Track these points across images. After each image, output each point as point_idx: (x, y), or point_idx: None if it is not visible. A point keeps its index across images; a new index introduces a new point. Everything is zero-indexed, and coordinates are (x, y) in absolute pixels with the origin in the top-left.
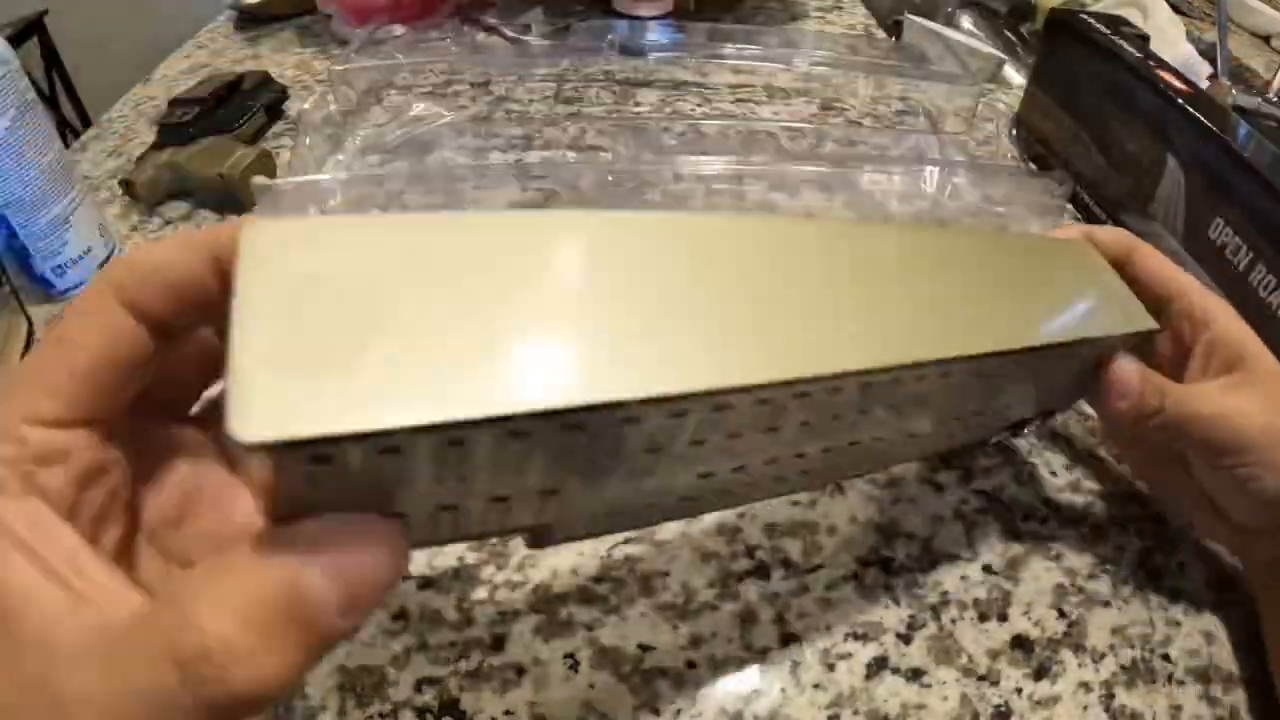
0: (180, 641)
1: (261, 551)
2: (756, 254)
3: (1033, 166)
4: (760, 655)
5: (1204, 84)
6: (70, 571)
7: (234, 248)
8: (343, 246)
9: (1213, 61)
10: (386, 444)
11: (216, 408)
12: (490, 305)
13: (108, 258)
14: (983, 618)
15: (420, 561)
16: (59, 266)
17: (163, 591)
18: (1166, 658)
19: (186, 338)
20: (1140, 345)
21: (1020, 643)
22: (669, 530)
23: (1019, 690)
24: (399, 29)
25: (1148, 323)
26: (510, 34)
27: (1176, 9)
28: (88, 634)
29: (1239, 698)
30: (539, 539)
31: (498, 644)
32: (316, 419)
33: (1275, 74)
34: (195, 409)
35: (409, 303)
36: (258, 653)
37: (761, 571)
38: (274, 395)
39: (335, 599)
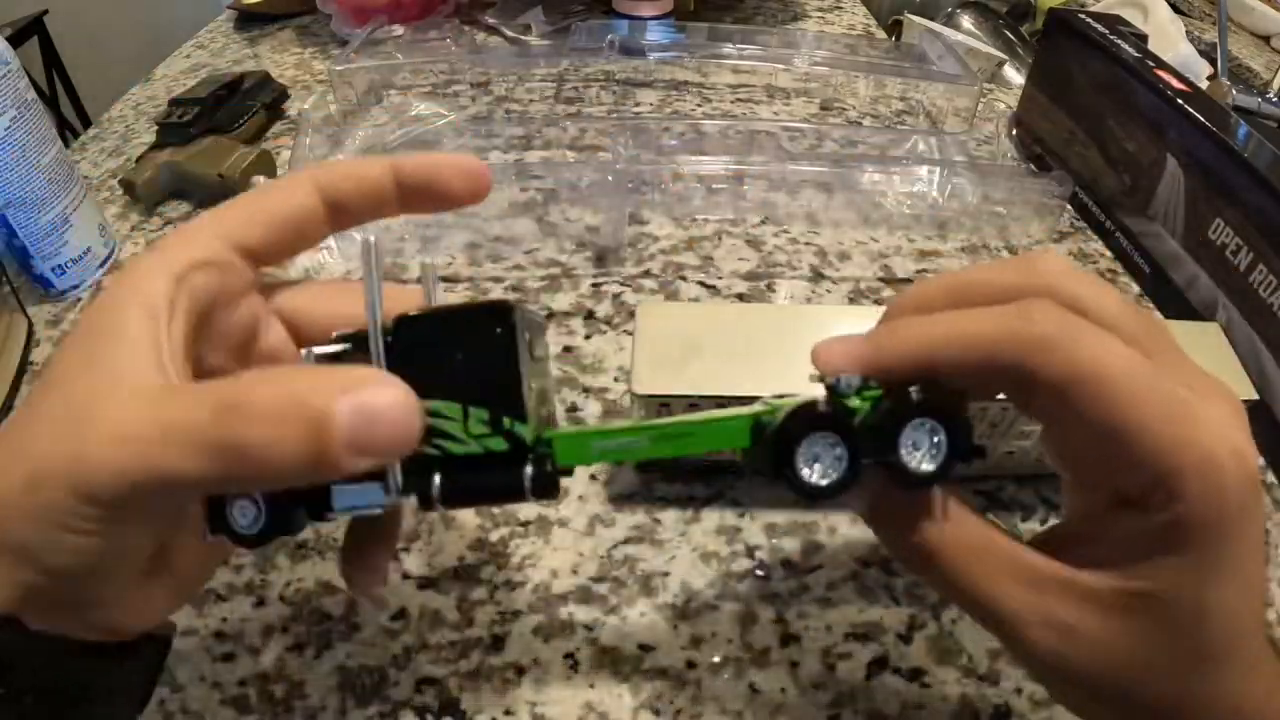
0: (222, 392)
1: (316, 370)
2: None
3: (1032, 167)
4: (760, 655)
5: (1204, 84)
6: (168, 344)
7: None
8: (684, 316)
9: (1213, 61)
10: (690, 402)
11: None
12: (747, 348)
13: (108, 258)
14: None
15: (420, 561)
16: (59, 266)
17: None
18: None
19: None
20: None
21: None
22: (669, 530)
23: (1019, 690)
24: (399, 29)
25: (1246, 393)
26: (510, 34)
27: (1176, 9)
28: (157, 386)
29: None
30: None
31: (498, 644)
32: (665, 388)
33: (1275, 74)
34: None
35: (710, 345)
36: (275, 427)
37: (761, 571)
38: (650, 376)
39: (347, 431)
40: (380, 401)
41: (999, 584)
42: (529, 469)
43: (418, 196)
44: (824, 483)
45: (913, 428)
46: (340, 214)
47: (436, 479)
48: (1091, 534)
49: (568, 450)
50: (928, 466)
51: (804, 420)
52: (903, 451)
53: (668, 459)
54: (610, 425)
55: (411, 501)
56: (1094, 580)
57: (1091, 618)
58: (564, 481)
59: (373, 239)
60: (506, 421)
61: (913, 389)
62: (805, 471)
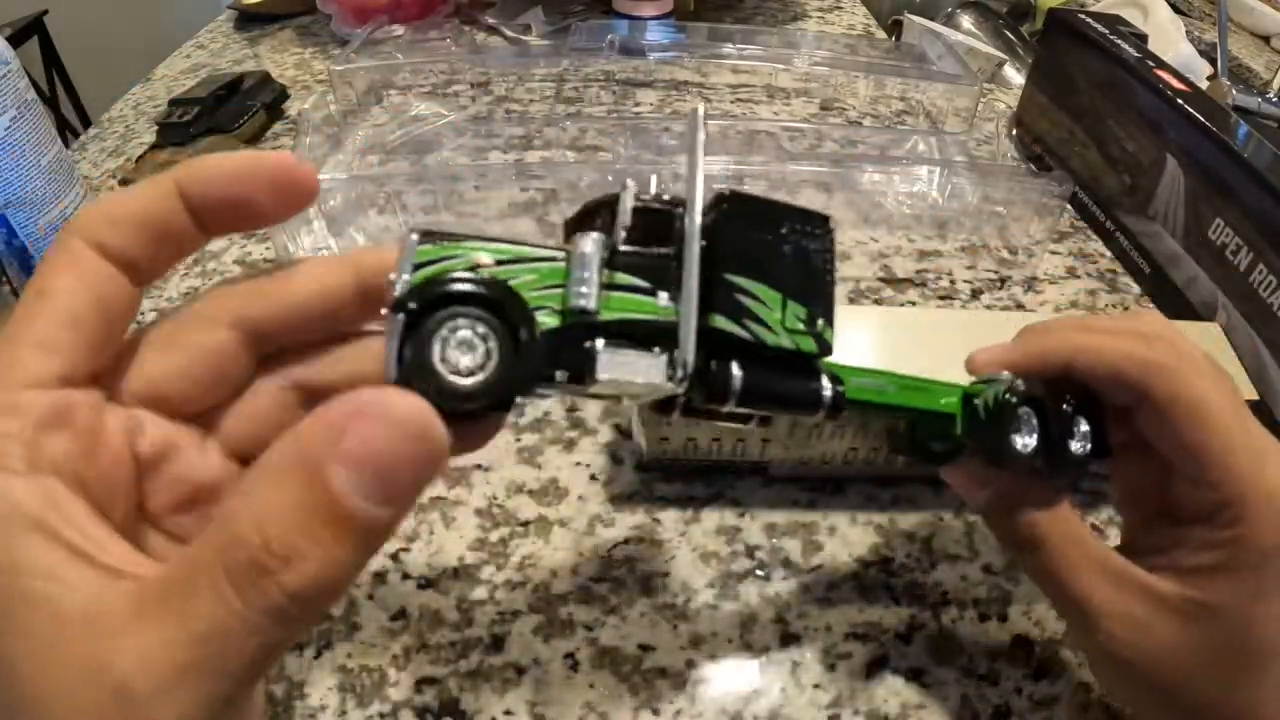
0: (230, 561)
1: (286, 454)
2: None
3: (1032, 167)
4: (760, 655)
5: (1204, 84)
6: (92, 546)
7: (199, 186)
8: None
9: (1213, 61)
10: None
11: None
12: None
13: None
14: (983, 618)
15: (420, 561)
16: None
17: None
18: None
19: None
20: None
21: (1020, 643)
22: (669, 530)
23: (1019, 690)
24: (399, 29)
25: (1247, 393)
26: (510, 34)
27: (1176, 9)
28: (129, 599)
29: None
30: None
31: (498, 644)
32: None
33: (1275, 74)
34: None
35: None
36: (304, 552)
37: (761, 571)
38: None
39: (363, 488)
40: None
41: (1089, 576)
42: (827, 383)
43: (218, 220)
44: (1028, 450)
45: (1022, 415)
46: (141, 268)
47: (736, 370)
48: (1156, 547)
49: (853, 386)
50: (1082, 450)
51: (1018, 401)
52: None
53: (899, 409)
54: (863, 366)
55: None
56: (1165, 586)
57: (1161, 618)
58: (564, 479)
59: (701, 108)
60: (821, 324)
61: (1020, 383)
62: (1017, 441)
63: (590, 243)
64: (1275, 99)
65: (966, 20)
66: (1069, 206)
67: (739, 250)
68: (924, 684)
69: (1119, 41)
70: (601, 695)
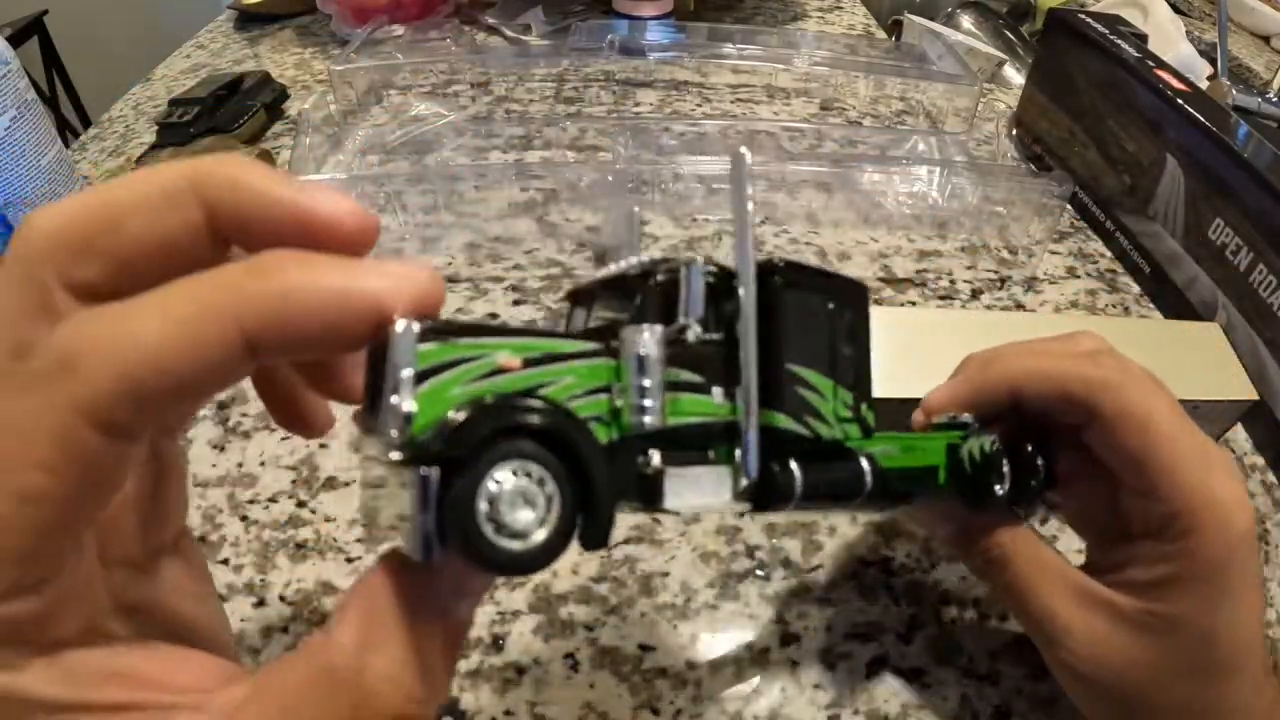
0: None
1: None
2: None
3: (1032, 167)
4: (760, 655)
5: (1204, 84)
6: (126, 692)
7: (227, 188)
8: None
9: (1213, 61)
10: None
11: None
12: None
13: None
14: (983, 618)
15: None
16: None
17: (315, 652)
18: None
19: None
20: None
21: (1020, 643)
22: (669, 530)
23: (1019, 690)
24: (399, 29)
25: (1247, 393)
26: (510, 34)
27: (1176, 9)
28: None
29: None
30: None
31: (498, 644)
32: None
33: (1275, 74)
34: None
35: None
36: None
37: (761, 571)
38: None
39: (464, 609)
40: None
41: (1054, 595)
42: (864, 461)
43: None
44: (1003, 493)
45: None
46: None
47: (797, 473)
48: (1113, 564)
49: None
50: (1000, 490)
51: (1000, 451)
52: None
53: (907, 472)
54: (874, 437)
55: (742, 504)
56: (1124, 601)
57: (1122, 632)
58: None
59: (746, 151)
60: (864, 408)
61: (968, 417)
62: (998, 488)
63: (650, 342)
64: (1275, 99)
65: (966, 20)
66: (1069, 206)
67: (798, 335)
68: (924, 684)
69: (1119, 41)
70: (601, 695)
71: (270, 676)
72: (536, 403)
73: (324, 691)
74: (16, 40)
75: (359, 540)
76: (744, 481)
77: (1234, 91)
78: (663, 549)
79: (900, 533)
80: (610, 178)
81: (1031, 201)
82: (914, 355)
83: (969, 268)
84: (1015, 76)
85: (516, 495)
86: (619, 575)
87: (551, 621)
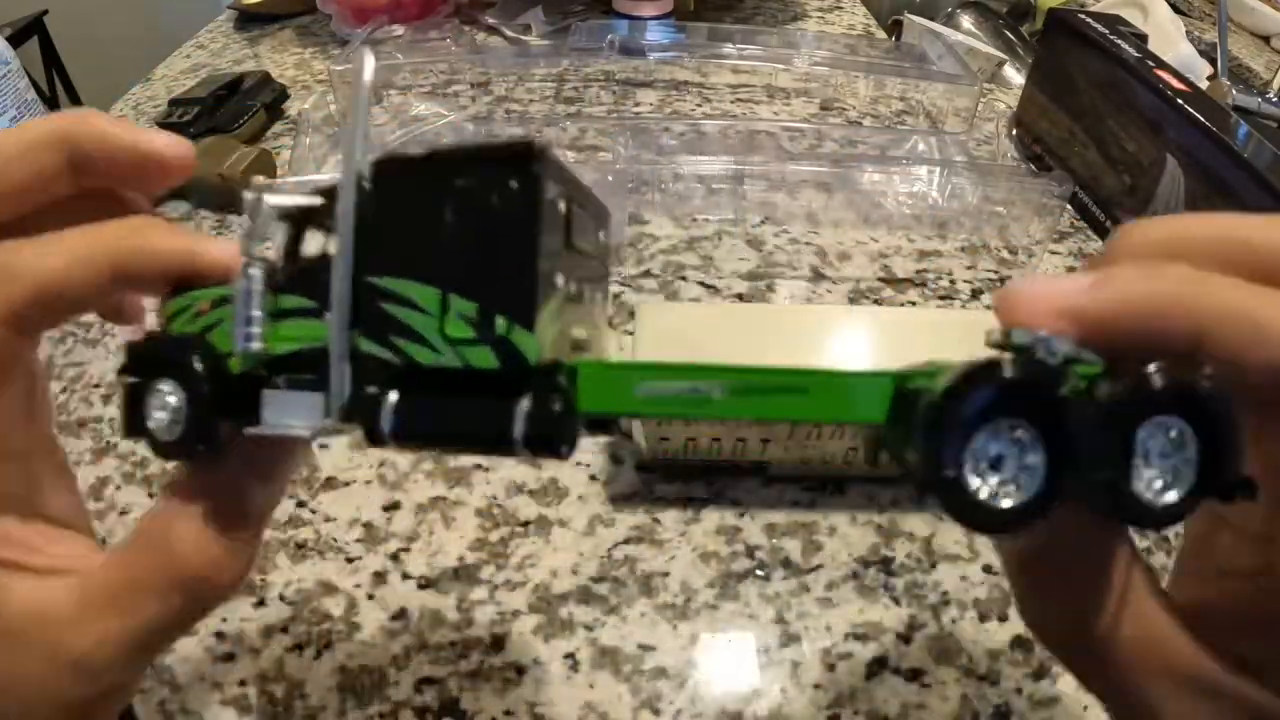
0: (178, 577)
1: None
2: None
3: (1032, 167)
4: (760, 655)
5: (1204, 84)
6: (17, 553)
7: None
8: (685, 316)
9: (1213, 61)
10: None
11: None
12: (747, 348)
13: None
14: (982, 618)
15: (420, 561)
16: None
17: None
18: None
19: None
20: None
21: (1020, 643)
22: (669, 530)
23: (1019, 690)
24: (399, 29)
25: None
26: (510, 34)
27: (1176, 9)
28: (73, 594)
29: None
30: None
31: (498, 644)
32: None
33: (1275, 74)
34: None
35: (711, 345)
36: (232, 566)
37: (761, 571)
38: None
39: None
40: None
41: (1162, 685)
42: (525, 404)
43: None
44: (1005, 503)
45: (1153, 428)
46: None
47: (391, 399)
48: (1268, 616)
49: (598, 387)
50: (1167, 496)
51: (984, 392)
52: (1134, 466)
53: (747, 420)
54: (671, 361)
55: (354, 432)
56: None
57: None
58: (564, 479)
59: (369, 55)
60: (501, 324)
61: (1152, 368)
62: (974, 481)
63: (250, 275)
64: (1275, 99)
65: (966, 20)
66: (1069, 206)
67: (388, 240)
68: (924, 684)
69: (1119, 41)
70: (601, 695)
71: (118, 547)
72: (177, 336)
73: (144, 551)
74: (16, 40)
75: (359, 540)
76: (334, 407)
77: (1234, 91)
78: (663, 549)
79: (900, 533)
80: (610, 178)
81: (1031, 201)
82: (914, 355)
83: (969, 268)
84: (1015, 76)
85: (159, 406)
86: (619, 575)
87: (551, 621)
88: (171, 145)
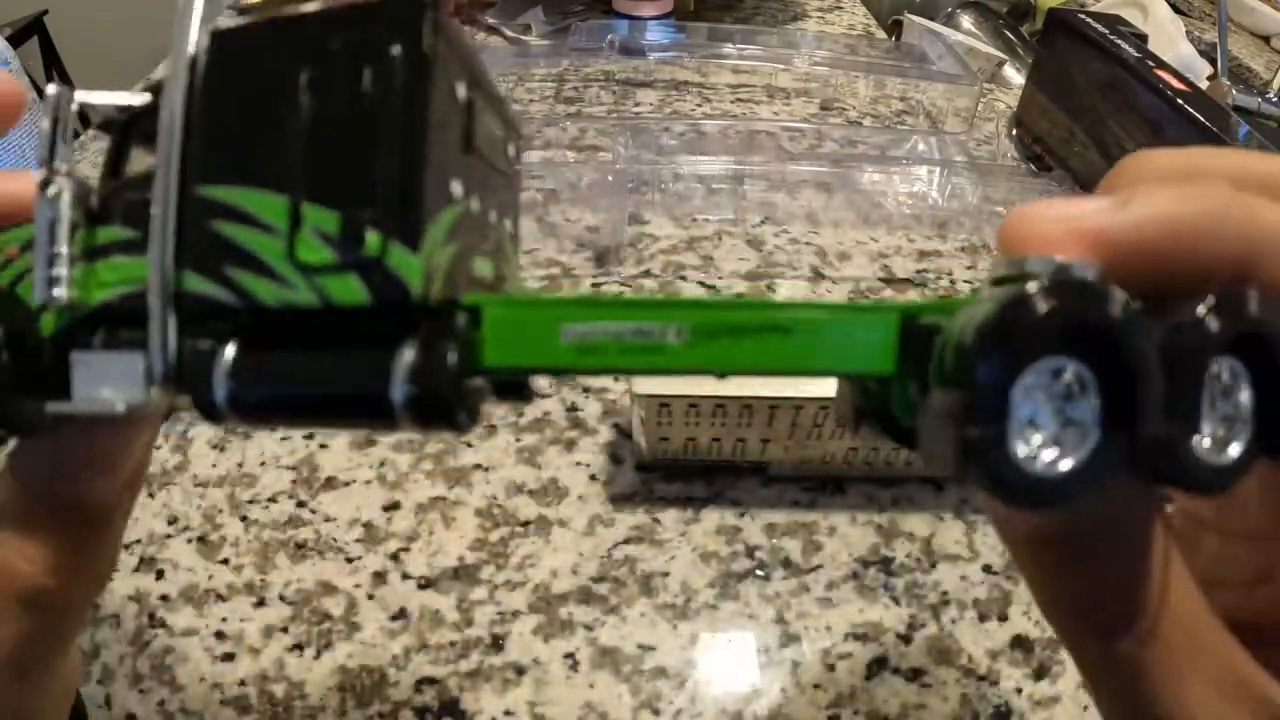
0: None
1: None
2: None
3: (1032, 167)
4: (760, 655)
5: (1204, 84)
6: None
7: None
8: None
9: (1213, 61)
10: (691, 402)
11: None
12: None
13: None
14: (982, 618)
15: (420, 561)
16: None
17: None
18: None
19: None
20: None
21: (1020, 643)
22: (669, 530)
23: (1019, 690)
24: None
25: None
26: (510, 34)
27: (1176, 9)
28: None
29: None
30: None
31: (498, 644)
32: (667, 387)
33: (1275, 74)
34: None
35: None
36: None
37: (761, 571)
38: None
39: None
40: None
41: (1199, 688)
42: (408, 355)
43: None
44: (1057, 469)
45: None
46: None
47: (226, 357)
48: None
49: (510, 333)
50: (1229, 452)
51: (1027, 325)
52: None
53: (716, 373)
54: (608, 295)
55: (183, 402)
56: None
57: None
58: (564, 479)
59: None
60: (372, 241)
61: (1209, 299)
62: (1020, 447)
63: (56, 202)
64: (1275, 99)
65: (966, 20)
66: None
67: (225, 137)
68: (924, 684)
69: (1119, 41)
70: (601, 695)
71: None
72: None
73: None
74: (16, 40)
75: (359, 540)
76: (156, 372)
77: (1234, 91)
78: (663, 549)
79: (900, 533)
80: (610, 178)
81: (1031, 201)
82: None
83: (969, 268)
84: (1015, 76)
85: None
86: (619, 575)
87: (551, 621)
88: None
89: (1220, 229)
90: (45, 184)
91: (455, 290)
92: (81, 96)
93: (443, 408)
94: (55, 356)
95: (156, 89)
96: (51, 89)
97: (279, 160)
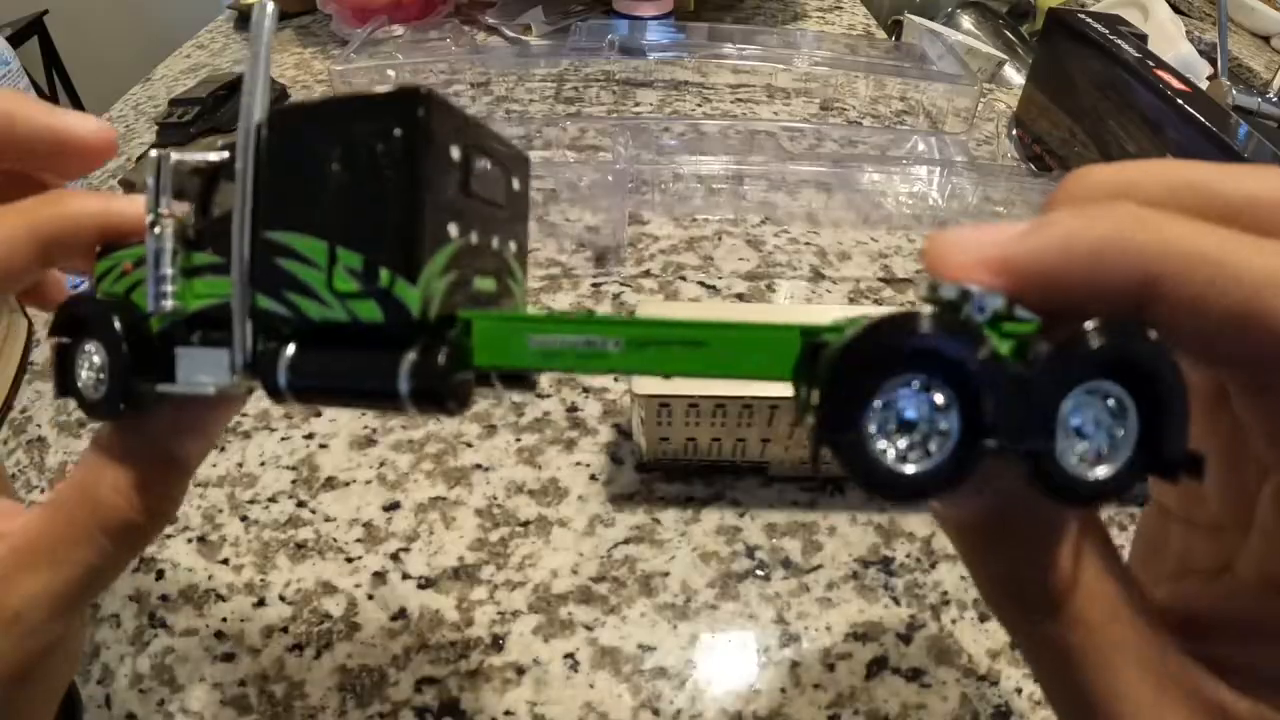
0: (106, 521)
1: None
2: None
3: (1032, 167)
4: (760, 655)
5: (1204, 84)
6: None
7: (64, 227)
8: (682, 314)
9: (1213, 61)
10: (691, 402)
11: None
12: None
13: None
14: (983, 618)
15: (420, 561)
16: None
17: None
18: None
19: None
20: None
21: None
22: (669, 530)
23: (1019, 690)
24: (399, 29)
25: None
26: (510, 34)
27: (1176, 9)
28: (8, 553)
29: None
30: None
31: (498, 644)
32: (666, 387)
33: (1275, 74)
34: None
35: None
36: (164, 509)
37: (761, 571)
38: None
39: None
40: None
41: (1127, 674)
42: (410, 357)
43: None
44: (911, 469)
45: (1084, 394)
46: None
47: (287, 354)
48: (1227, 625)
49: (490, 340)
50: (1098, 471)
51: (891, 344)
52: (1060, 436)
53: (659, 374)
54: (566, 313)
55: (253, 387)
56: (1245, 710)
57: None
58: (564, 479)
59: (271, 3)
60: (384, 276)
61: (1089, 325)
62: (880, 445)
63: (160, 236)
64: (1275, 99)
65: (966, 20)
66: None
67: (281, 192)
68: (924, 684)
69: (1119, 41)
70: (601, 695)
71: (45, 502)
72: (102, 297)
73: (73, 503)
74: (16, 40)
75: (359, 540)
76: (237, 364)
77: (1234, 91)
78: (663, 549)
79: (900, 533)
80: (610, 178)
81: (1031, 201)
82: None
83: None
84: (1015, 76)
85: (88, 360)
86: (619, 575)
87: (551, 621)
88: (89, 126)
89: (1120, 252)
90: (153, 224)
91: (454, 306)
92: (176, 155)
93: (435, 397)
94: (161, 349)
95: (231, 148)
96: (154, 152)
97: (321, 213)
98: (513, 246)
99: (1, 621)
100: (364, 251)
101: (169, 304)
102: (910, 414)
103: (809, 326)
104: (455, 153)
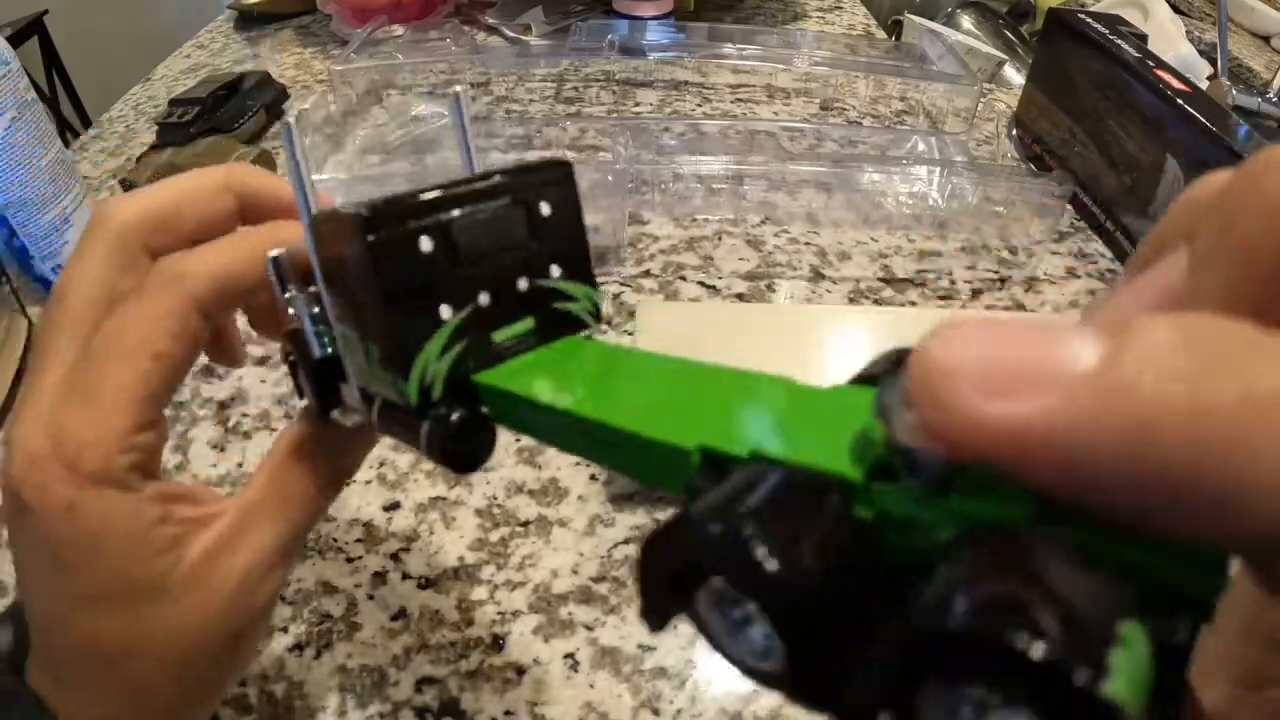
0: (326, 477)
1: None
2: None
3: (1032, 167)
4: None
5: (1204, 84)
6: (191, 510)
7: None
8: (685, 316)
9: (1213, 61)
10: None
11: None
12: (747, 348)
13: None
14: None
15: (420, 561)
16: (59, 266)
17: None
18: None
19: None
20: None
21: None
22: None
23: None
24: (399, 29)
25: None
26: (510, 34)
27: (1176, 9)
28: (230, 524)
29: None
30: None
31: (498, 644)
32: None
33: (1275, 74)
34: None
35: (710, 345)
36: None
37: None
38: None
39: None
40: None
41: None
42: (425, 429)
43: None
44: (761, 665)
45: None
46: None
47: (375, 409)
48: None
49: (495, 405)
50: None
51: (680, 548)
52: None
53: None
54: (547, 399)
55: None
56: None
57: None
58: (564, 479)
59: (293, 122)
60: (390, 371)
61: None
62: (720, 637)
63: (295, 315)
64: (1275, 99)
65: (966, 20)
66: (1069, 206)
67: (337, 290)
68: None
69: (1119, 41)
70: (601, 695)
71: (263, 467)
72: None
73: (295, 464)
74: (16, 40)
75: (359, 540)
76: (367, 414)
77: (1234, 91)
78: None
79: None
80: (610, 178)
81: (1031, 201)
82: None
83: (969, 268)
84: (1015, 76)
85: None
86: (619, 575)
87: (551, 621)
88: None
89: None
90: (288, 303)
91: (468, 373)
92: (276, 253)
93: (445, 460)
94: (323, 382)
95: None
96: (273, 253)
97: (354, 312)
98: (555, 271)
99: (232, 588)
100: (380, 348)
101: (321, 353)
102: (733, 618)
103: (711, 450)
104: (426, 243)
